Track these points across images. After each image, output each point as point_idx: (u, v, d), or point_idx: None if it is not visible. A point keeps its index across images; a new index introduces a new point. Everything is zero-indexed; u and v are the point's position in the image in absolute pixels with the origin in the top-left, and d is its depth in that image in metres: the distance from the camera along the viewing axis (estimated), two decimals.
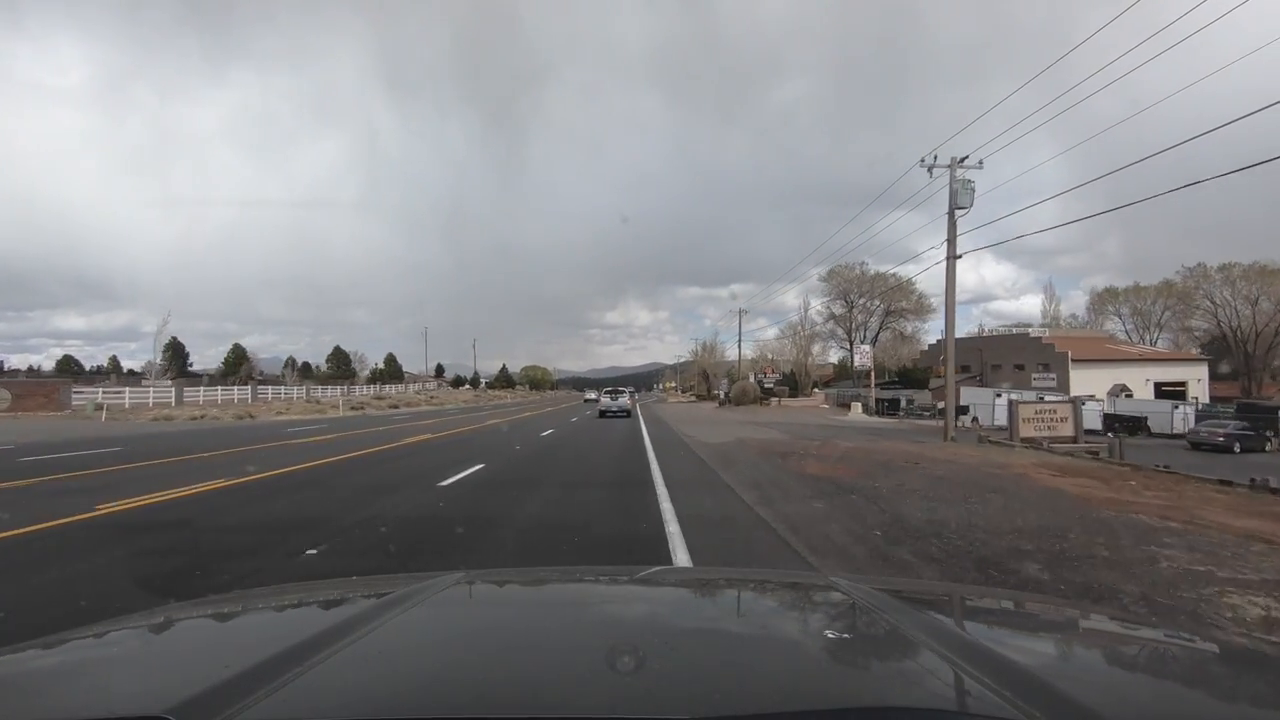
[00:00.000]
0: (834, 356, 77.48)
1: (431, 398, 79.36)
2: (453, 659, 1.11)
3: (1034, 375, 54.76)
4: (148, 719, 0.77)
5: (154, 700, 0.82)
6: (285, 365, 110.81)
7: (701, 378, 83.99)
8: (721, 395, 55.14)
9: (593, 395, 60.19)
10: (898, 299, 52.20)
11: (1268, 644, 1.78)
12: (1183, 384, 54.92)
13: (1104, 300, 70.15)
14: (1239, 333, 60.44)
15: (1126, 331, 69.51)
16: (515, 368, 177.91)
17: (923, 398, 51.84)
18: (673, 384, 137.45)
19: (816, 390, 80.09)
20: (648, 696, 0.91)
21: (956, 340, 28.73)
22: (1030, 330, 60.22)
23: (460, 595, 1.56)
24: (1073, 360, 52.60)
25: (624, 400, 41.90)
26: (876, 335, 55.85)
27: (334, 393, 62.29)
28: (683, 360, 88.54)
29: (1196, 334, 63.91)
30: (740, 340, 69.83)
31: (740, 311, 69.02)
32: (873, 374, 45.94)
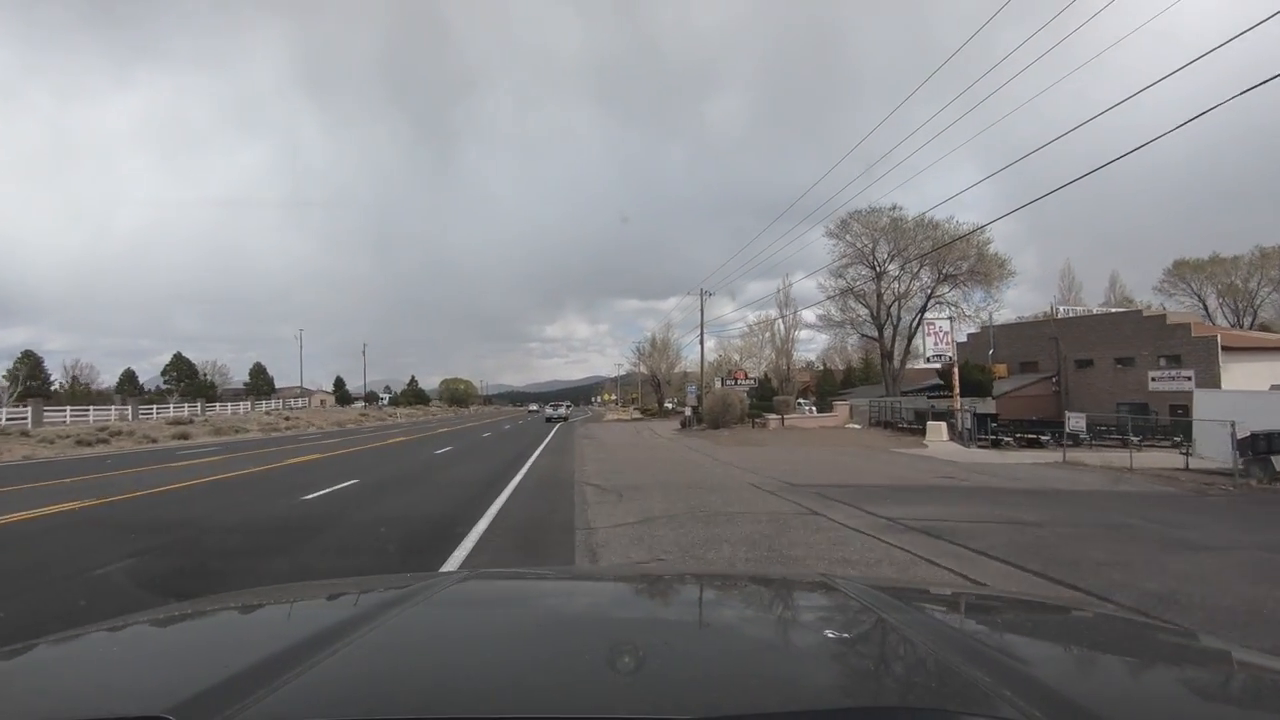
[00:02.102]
0: (843, 349, 58.39)
1: (287, 418, 59.62)
2: (452, 659, 1.11)
3: (1153, 373, 36.43)
4: (148, 719, 0.76)
5: (154, 700, 0.82)
6: (120, 381, 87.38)
7: (651, 387, 62.99)
8: (688, 412, 34.86)
9: (535, 407, 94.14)
10: (954, 258, 33.42)
11: (1265, 649, 1.47)
12: None
13: (1181, 274, 53.18)
14: None
15: (1208, 314, 52.53)
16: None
17: (987, 407, 32.86)
18: (612, 397, 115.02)
19: (802, 402, 60.69)
20: (647, 696, 0.90)
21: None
22: (1141, 309, 41.93)
23: (460, 595, 1.59)
24: (1224, 349, 34.50)
25: (563, 410, 64.71)
26: (920, 316, 36.41)
27: (158, 414, 49.89)
28: (624, 371, 67.90)
29: None
30: (702, 333, 49.52)
31: (703, 293, 48.90)
32: (956, 375, 26.26)
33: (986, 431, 24.28)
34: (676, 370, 65.25)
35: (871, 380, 65.35)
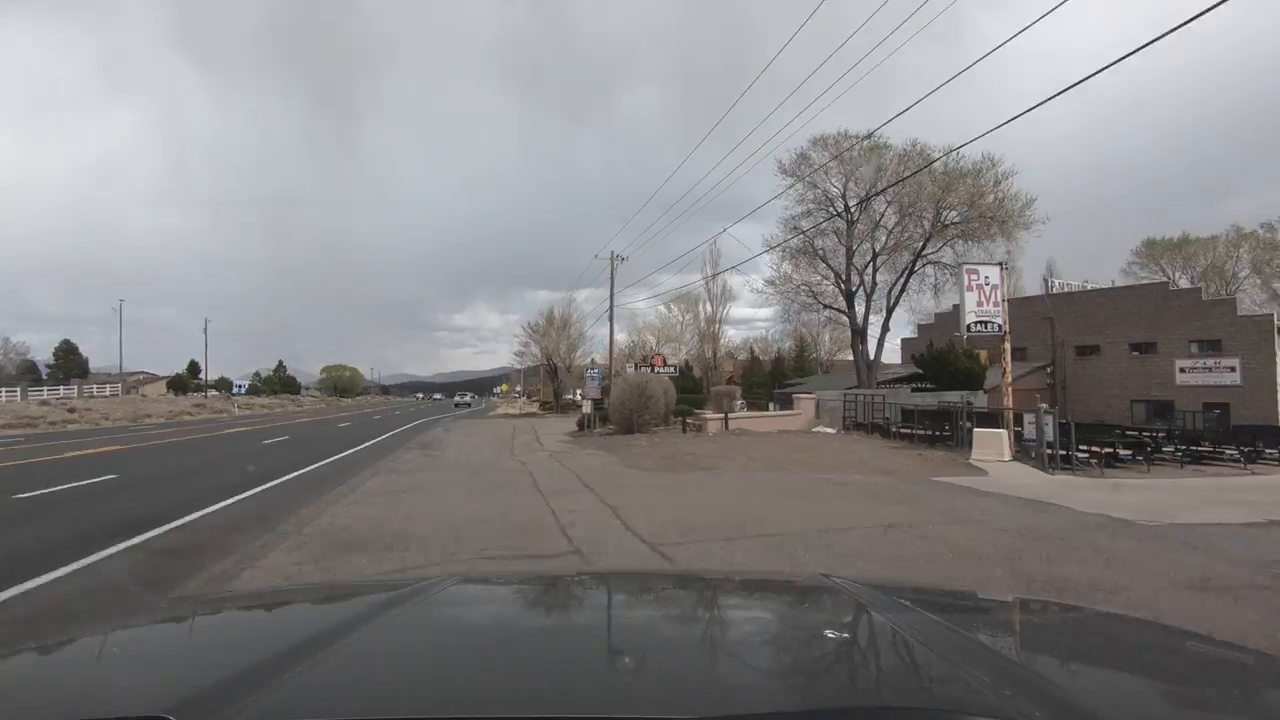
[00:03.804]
0: (764, 341, 49.22)
1: (72, 410, 46.29)
2: (452, 659, 1.10)
3: (1181, 363, 28.75)
4: (148, 719, 0.75)
5: (154, 700, 0.81)
6: None
7: (548, 375, 51.17)
8: (586, 407, 23.77)
9: (439, 396, 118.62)
10: (957, 194, 24.16)
11: (1265, 650, 1.52)
12: None
13: (1153, 254, 47.04)
14: None
15: None
16: (364, 369, 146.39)
17: (980, 401, 24.00)
18: (517, 388, 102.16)
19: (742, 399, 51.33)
20: (647, 696, 0.90)
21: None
22: (1170, 283, 34.35)
23: (460, 595, 1.56)
24: None
25: (468, 398, 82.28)
26: (906, 278, 26.95)
27: None
28: (526, 358, 55.41)
29: None
30: (612, 303, 38.87)
31: (614, 258, 38.14)
32: (1008, 355, 16.65)
33: (1070, 444, 14.81)
34: (584, 360, 54.10)
35: (805, 371, 56.67)
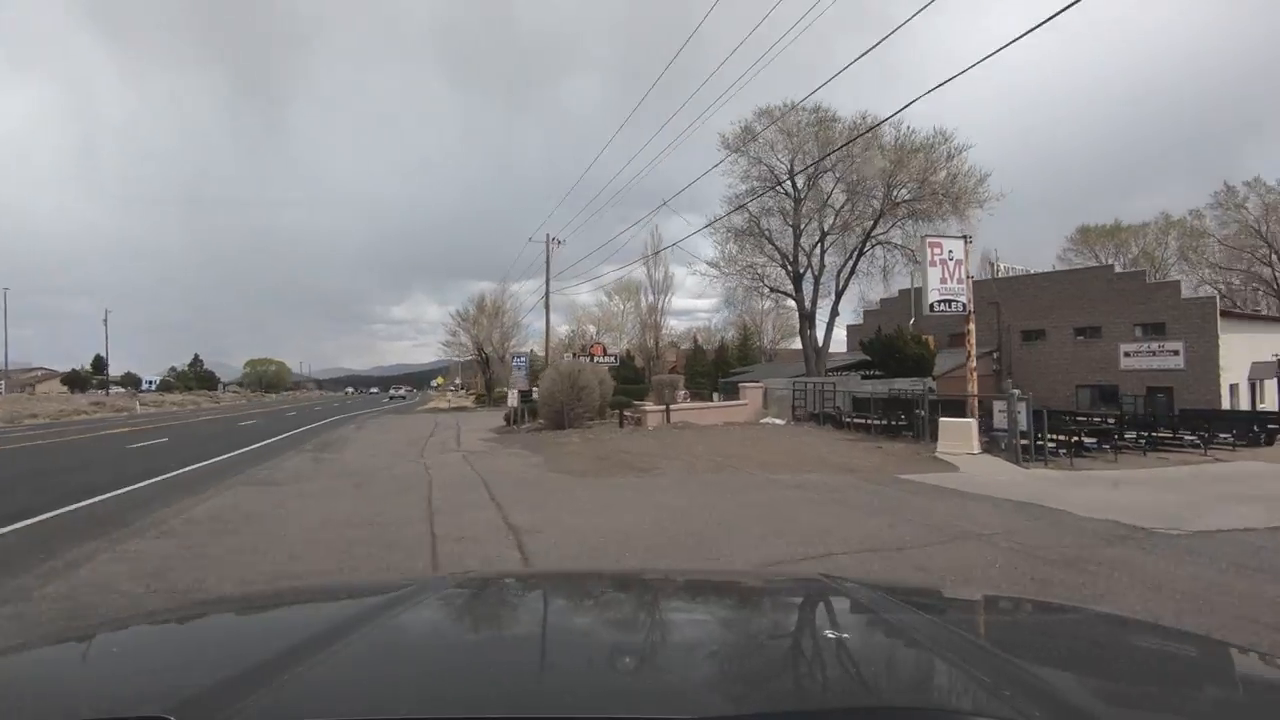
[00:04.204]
0: (708, 331, 47.50)
1: None
2: (452, 659, 1.10)
3: (1125, 347, 28.32)
4: (148, 719, 0.75)
5: (154, 700, 0.81)
6: None
7: (480, 367, 47.94)
8: (512, 400, 21.09)
9: (374, 390, 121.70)
10: (908, 171, 22.75)
11: (1265, 649, 1.54)
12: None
13: (1087, 241, 47.48)
14: None
15: None
16: (293, 363, 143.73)
17: (952, 392, 22.86)
18: (456, 381, 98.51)
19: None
20: (647, 696, 0.90)
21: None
22: (1115, 266, 34.05)
23: (460, 595, 1.55)
24: (1223, 315, 26.70)
25: (402, 392, 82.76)
26: (855, 260, 25.48)
27: None
28: (455, 348, 51.80)
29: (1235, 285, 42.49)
30: (548, 288, 36.69)
31: (550, 240, 35.80)
32: (973, 336, 15.19)
33: (1043, 434, 13.41)
34: (521, 349, 51.33)
35: (749, 360, 55.43)
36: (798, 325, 27.32)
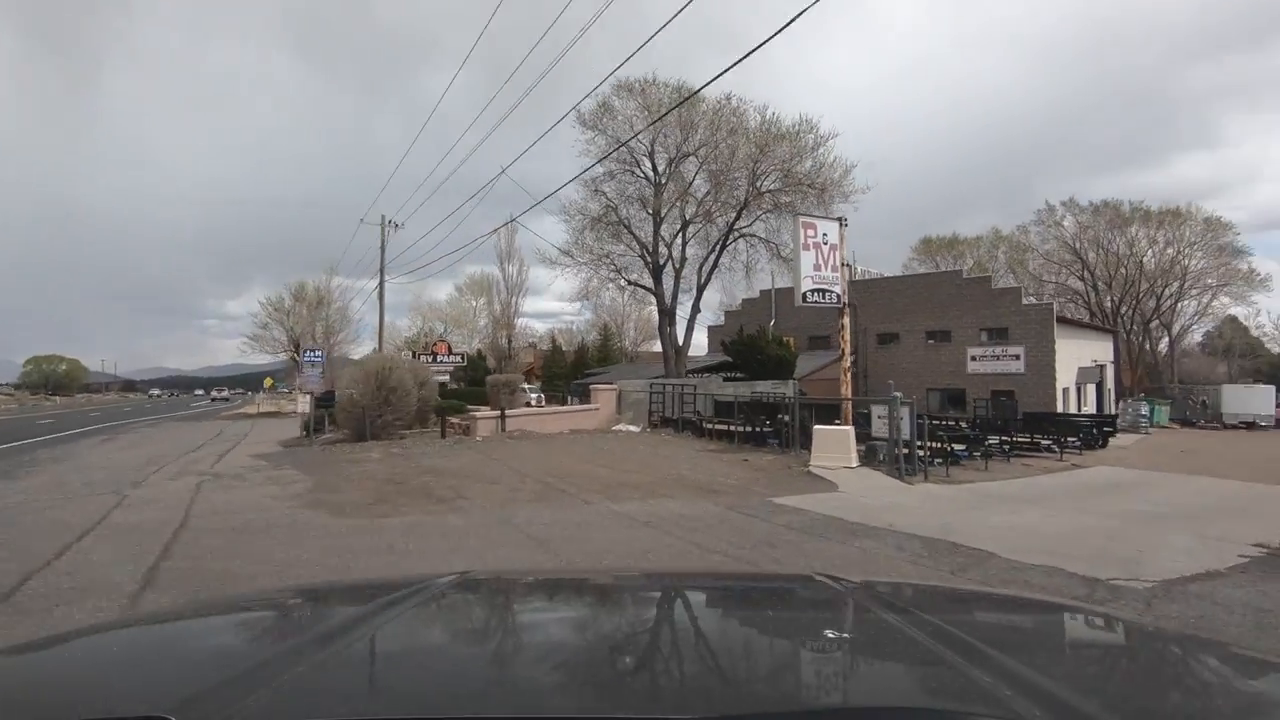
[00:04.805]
0: (569, 332, 44.58)
1: None
2: (452, 659, 1.10)
3: (972, 350, 28.72)
4: (148, 719, 0.75)
5: (154, 700, 0.81)
6: None
7: (295, 366, 41.41)
8: (301, 407, 16.58)
9: (200, 392, 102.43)
10: (772, 158, 21.16)
11: (1262, 650, 1.51)
12: (1102, 365, 34.68)
13: (929, 250, 49.72)
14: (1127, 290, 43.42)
15: None
16: (97, 361, 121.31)
17: (794, 391, 21.63)
18: (295, 384, 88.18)
19: (527, 388, 46.28)
20: (647, 696, 0.90)
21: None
22: (964, 271, 34.72)
23: (460, 595, 1.52)
24: (1059, 321, 27.60)
25: (225, 394, 65.84)
26: (718, 253, 23.61)
27: None
28: (265, 343, 44.41)
29: (1050, 296, 45.85)
30: (382, 274, 32.30)
31: (386, 224, 31.43)
32: (848, 334, 13.56)
33: (924, 442, 11.75)
34: (352, 351, 45.35)
35: (611, 361, 53.12)
36: (657, 322, 25.08)
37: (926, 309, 30.01)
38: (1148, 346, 45.31)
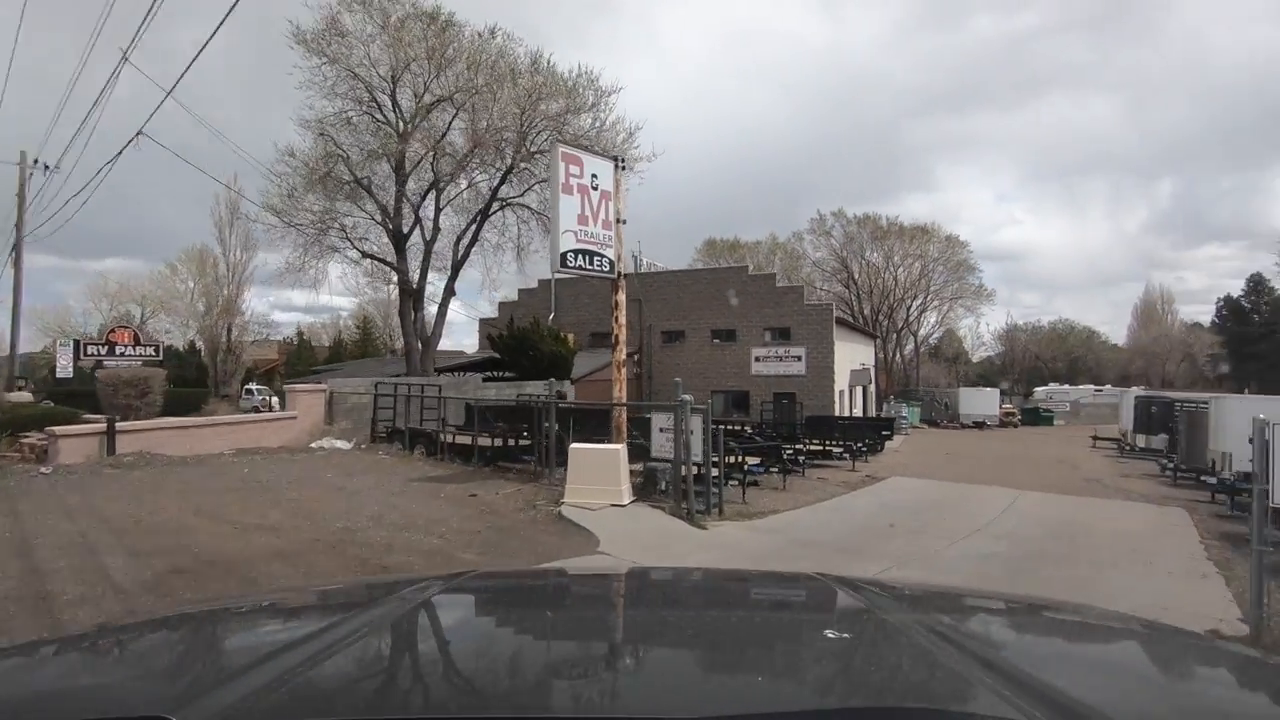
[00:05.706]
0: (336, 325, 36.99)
1: None
2: (452, 658, 1.09)
3: (757, 351, 27.43)
4: (148, 719, 0.75)
5: (154, 700, 0.82)
6: None
7: None
8: None
9: None
10: (544, 111, 17.35)
11: (1263, 650, 1.67)
12: (869, 368, 36.32)
13: (714, 252, 49.63)
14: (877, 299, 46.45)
15: None
16: None
17: (572, 394, 18.26)
18: None
19: (254, 390, 38.05)
20: (647, 696, 0.90)
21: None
22: (749, 268, 33.30)
23: (460, 595, 1.52)
24: (836, 322, 27.15)
25: None
26: (480, 224, 19.19)
27: None
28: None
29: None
30: (20, 242, 23.89)
31: (25, 160, 22.91)
32: (622, 325, 9.90)
33: (719, 459, 8.61)
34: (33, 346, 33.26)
35: (372, 356, 45.89)
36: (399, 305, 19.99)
37: (712, 307, 28.36)
38: (897, 353, 49.17)
